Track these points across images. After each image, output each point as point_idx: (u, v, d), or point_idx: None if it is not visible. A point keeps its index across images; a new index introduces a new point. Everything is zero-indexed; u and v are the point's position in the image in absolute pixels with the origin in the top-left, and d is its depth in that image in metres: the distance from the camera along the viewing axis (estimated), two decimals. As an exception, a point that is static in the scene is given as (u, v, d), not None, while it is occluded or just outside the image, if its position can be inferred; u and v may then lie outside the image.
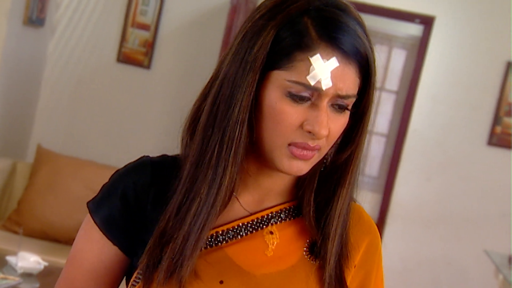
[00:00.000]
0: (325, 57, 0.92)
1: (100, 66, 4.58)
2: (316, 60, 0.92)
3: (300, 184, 1.06)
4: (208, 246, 1.00)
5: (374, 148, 6.79)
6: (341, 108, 0.96)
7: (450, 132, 4.54)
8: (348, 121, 0.98)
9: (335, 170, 1.03)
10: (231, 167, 0.97)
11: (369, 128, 1.03)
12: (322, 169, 1.03)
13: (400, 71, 6.61)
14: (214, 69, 1.02)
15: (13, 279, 2.78)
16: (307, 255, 1.03)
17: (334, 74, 0.93)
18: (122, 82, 4.58)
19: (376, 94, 1.00)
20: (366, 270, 1.08)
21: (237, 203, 1.03)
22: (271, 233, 1.03)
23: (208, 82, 1.04)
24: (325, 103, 0.94)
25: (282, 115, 0.94)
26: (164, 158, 1.07)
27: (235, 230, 1.02)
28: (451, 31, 4.49)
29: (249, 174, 1.03)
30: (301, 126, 0.94)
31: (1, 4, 3.85)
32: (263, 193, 1.04)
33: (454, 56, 4.50)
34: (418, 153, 4.57)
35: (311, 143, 0.95)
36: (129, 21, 4.49)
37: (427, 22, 4.49)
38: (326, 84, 0.92)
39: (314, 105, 0.94)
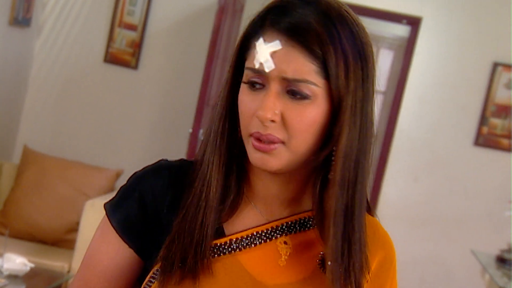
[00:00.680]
0: (269, 40, 0.94)
1: (87, 66, 4.56)
2: (260, 44, 0.94)
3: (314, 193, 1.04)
4: (222, 254, 1.00)
5: (361, 149, 6.81)
6: (296, 95, 0.93)
7: (437, 133, 4.56)
8: (337, 117, 0.95)
9: (318, 172, 0.99)
10: (218, 162, 0.99)
11: (364, 125, 0.97)
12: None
13: (387, 71, 6.63)
14: None
15: (-1, 281, 2.76)
16: (320, 267, 1.01)
17: (277, 57, 0.93)
18: (109, 82, 4.56)
19: (361, 86, 0.95)
20: (379, 284, 1.05)
21: (254, 210, 1.03)
22: (285, 243, 1.01)
23: None
24: (273, 87, 0.94)
25: (241, 104, 0.97)
26: (181, 162, 1.07)
27: (249, 238, 1.01)
28: (438, 32, 4.51)
29: (259, 182, 1.03)
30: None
31: (-13, 4, 3.83)
32: (277, 203, 1.03)
33: (441, 57, 4.52)
34: (405, 153, 4.58)
35: (263, 131, 0.94)
36: (116, 21, 4.47)
37: (414, 23, 4.51)
38: (268, 66, 0.93)
39: (265, 91, 0.95)
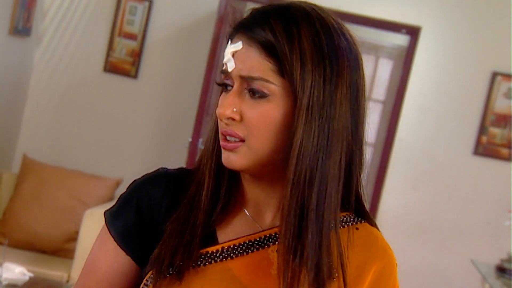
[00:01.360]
0: (234, 42, 0.99)
1: (87, 75, 4.57)
2: (227, 46, 0.99)
3: None
4: (213, 261, 1.00)
5: (361, 158, 6.81)
6: (256, 94, 0.95)
7: (436, 142, 4.56)
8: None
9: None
10: (210, 167, 1.03)
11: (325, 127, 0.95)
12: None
13: (386, 80, 6.64)
14: None
15: (-2, 290, 2.75)
16: None
17: (237, 56, 0.97)
18: (109, 91, 4.57)
19: (315, 84, 0.94)
20: None
21: (247, 217, 1.04)
22: (278, 251, 1.00)
23: None
24: (234, 86, 0.97)
25: (217, 108, 1.00)
26: (180, 171, 1.09)
27: (241, 246, 1.02)
28: (437, 41, 4.52)
29: (248, 188, 1.04)
30: None
31: (-13, 14, 3.84)
32: (268, 209, 1.04)
33: (441, 66, 4.53)
34: (404, 162, 4.59)
35: (224, 127, 0.97)
36: (116, 30, 4.49)
37: (413, 32, 4.52)
38: (230, 66, 0.97)
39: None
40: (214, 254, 1.01)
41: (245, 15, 1.02)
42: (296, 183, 0.95)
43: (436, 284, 4.56)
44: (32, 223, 3.73)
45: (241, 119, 0.96)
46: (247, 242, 1.02)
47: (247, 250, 1.01)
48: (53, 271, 3.49)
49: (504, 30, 4.41)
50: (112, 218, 1.06)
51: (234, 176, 1.04)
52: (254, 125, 0.95)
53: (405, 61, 4.62)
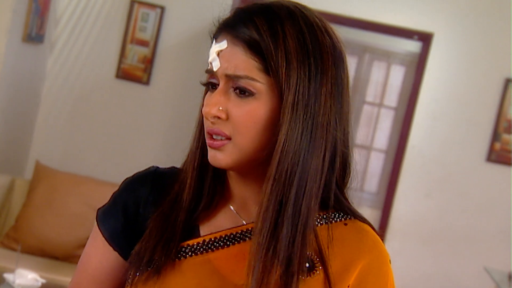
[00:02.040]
0: (219, 41, 0.99)
1: (99, 82, 4.59)
2: (212, 45, 1.00)
3: None
4: (194, 254, 1.02)
5: (373, 164, 6.78)
6: (242, 92, 0.96)
7: (449, 149, 4.54)
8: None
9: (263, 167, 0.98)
10: (194, 165, 1.04)
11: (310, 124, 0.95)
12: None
13: (398, 87, 6.62)
14: None
15: (10, 297, 2.76)
16: None
17: (222, 55, 0.97)
18: (121, 98, 4.58)
19: (299, 83, 0.94)
20: None
21: (231, 212, 1.06)
22: (251, 244, 1.01)
23: None
24: (220, 85, 0.97)
25: (202, 106, 1.01)
26: (171, 170, 1.11)
27: (222, 239, 1.03)
28: (449, 48, 4.51)
29: (233, 185, 1.06)
30: None
31: (1, 21, 3.86)
32: (253, 204, 1.04)
33: (453, 73, 4.52)
34: (417, 169, 4.56)
35: (210, 126, 0.98)
36: (128, 37, 4.50)
37: (425, 38, 4.51)
38: (215, 65, 0.98)
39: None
40: (195, 246, 1.02)
41: (229, 14, 1.02)
42: (277, 179, 0.95)
43: (449, 292, 4.53)
44: (45, 229, 3.74)
45: (227, 117, 0.96)
46: (229, 235, 1.03)
47: (228, 242, 1.02)
48: (65, 277, 3.49)
49: (517, 36, 4.39)
50: (103, 217, 1.09)
51: (218, 173, 1.06)
52: (240, 123, 0.96)
53: (417, 68, 4.61)
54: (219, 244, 1.02)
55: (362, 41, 6.47)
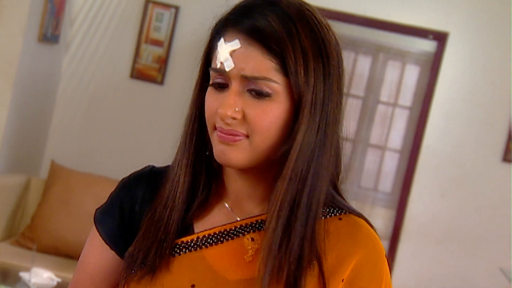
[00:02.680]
0: (229, 40, 0.97)
1: (114, 82, 4.61)
2: (221, 44, 0.97)
3: None
4: (188, 251, 1.02)
5: (387, 164, 6.76)
6: (258, 94, 0.95)
7: (464, 148, 4.52)
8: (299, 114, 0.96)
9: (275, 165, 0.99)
10: (187, 162, 1.04)
11: (329, 125, 0.96)
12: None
13: (413, 87, 6.59)
14: None
15: (26, 295, 2.77)
16: None
17: (236, 56, 0.95)
18: (135, 98, 4.60)
19: (323, 84, 0.95)
20: (359, 286, 1.01)
21: (225, 208, 1.06)
22: (252, 239, 1.03)
23: None
24: (234, 85, 0.96)
25: (206, 102, 1.00)
26: (167, 168, 1.11)
27: (216, 235, 1.03)
28: (464, 47, 4.48)
29: (230, 181, 1.05)
30: None
31: (17, 22, 3.89)
32: (248, 200, 1.05)
33: (468, 72, 4.49)
34: (432, 169, 4.54)
35: (225, 127, 0.96)
36: (142, 37, 4.52)
37: (440, 38, 4.49)
38: (228, 65, 0.95)
39: (228, 90, 0.97)
40: (189, 243, 1.03)
41: (231, 10, 1.01)
42: (293, 178, 0.96)
43: (464, 293, 4.51)
44: (60, 228, 3.76)
45: (243, 117, 0.96)
46: (222, 231, 1.03)
47: (221, 239, 1.03)
48: (80, 276, 3.51)
49: (533, 35, 4.35)
50: (100, 216, 1.10)
51: (212, 170, 1.05)
52: (257, 123, 0.95)
53: (432, 67, 4.59)
54: (213, 241, 1.03)
55: (376, 40, 6.45)
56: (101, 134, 4.64)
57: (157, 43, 4.52)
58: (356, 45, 6.48)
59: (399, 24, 4.50)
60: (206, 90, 1.02)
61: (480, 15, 4.47)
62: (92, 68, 4.59)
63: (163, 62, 4.52)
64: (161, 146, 4.60)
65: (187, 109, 1.07)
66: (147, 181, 1.09)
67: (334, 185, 1.06)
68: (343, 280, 1.00)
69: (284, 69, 0.94)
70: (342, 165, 1.06)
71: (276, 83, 0.95)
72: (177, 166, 1.05)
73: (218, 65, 0.97)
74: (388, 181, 6.78)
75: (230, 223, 1.04)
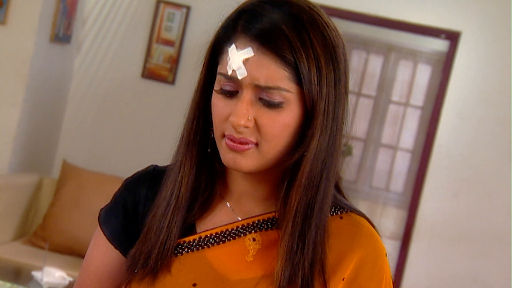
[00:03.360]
0: (241, 47, 0.95)
1: (125, 82, 4.62)
2: (232, 50, 0.95)
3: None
4: (190, 250, 1.03)
5: (399, 164, 6.74)
6: (270, 104, 0.94)
7: (476, 148, 4.49)
8: (311, 121, 0.96)
9: (288, 172, 0.99)
10: (190, 162, 1.03)
11: (338, 130, 0.97)
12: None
13: (425, 86, 6.57)
14: None
15: (38, 294, 2.79)
16: None
17: (250, 64, 0.94)
18: (146, 97, 4.61)
19: (334, 92, 0.96)
20: (359, 285, 1.02)
21: (227, 208, 1.06)
22: (254, 239, 1.03)
23: None
24: (246, 94, 0.95)
25: (215, 108, 0.99)
26: (169, 167, 1.11)
27: (218, 235, 1.04)
28: (477, 47, 4.45)
29: (233, 181, 1.06)
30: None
31: (29, 22, 3.91)
32: (251, 201, 1.05)
33: (481, 72, 4.46)
34: (444, 169, 4.52)
35: (236, 135, 0.96)
36: (154, 37, 4.52)
37: (452, 37, 4.46)
38: (241, 73, 0.94)
39: (239, 98, 0.96)
40: (191, 243, 1.03)
41: (239, 11, 0.99)
42: (307, 186, 0.97)
43: (477, 293, 4.48)
44: (72, 228, 3.78)
45: (254, 125, 0.96)
46: (224, 231, 1.04)
47: (223, 239, 1.03)
48: (91, 276, 3.52)
49: (546, 34, 4.32)
50: (104, 216, 1.11)
51: (215, 169, 1.05)
52: (268, 132, 0.95)
53: (444, 67, 4.56)
54: (215, 241, 1.03)
55: (388, 40, 6.43)
56: (112, 134, 4.65)
57: (168, 43, 4.52)
58: (367, 45, 6.46)
59: (411, 23, 4.48)
60: (208, 90, 1.02)
61: (492, 14, 4.44)
62: (104, 68, 4.61)
63: (174, 62, 4.53)
64: (172, 146, 4.61)
65: (188, 108, 1.06)
66: (150, 180, 1.10)
67: (336, 182, 1.06)
68: (343, 279, 1.01)
69: (297, 77, 0.94)
70: (342, 162, 1.07)
71: (288, 92, 0.94)
72: (180, 166, 1.05)
73: (230, 72, 0.95)
74: (399, 181, 6.76)
75: (231, 223, 1.04)
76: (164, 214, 1.03)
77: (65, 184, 3.91)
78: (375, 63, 6.59)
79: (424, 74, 6.59)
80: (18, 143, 4.03)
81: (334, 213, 1.05)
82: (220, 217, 1.06)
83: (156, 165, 1.14)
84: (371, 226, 1.06)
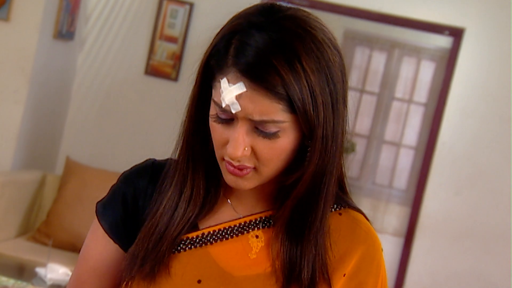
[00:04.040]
0: (233, 81, 0.93)
1: (128, 78, 4.62)
2: (224, 83, 0.94)
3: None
4: (193, 247, 1.04)
5: (402, 161, 6.74)
6: (266, 134, 0.95)
7: (479, 145, 4.48)
8: (312, 144, 0.97)
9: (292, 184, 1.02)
10: (192, 160, 1.05)
11: (332, 151, 0.98)
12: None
13: (428, 83, 6.56)
14: None
15: (42, 291, 2.79)
16: None
17: (243, 99, 0.93)
18: (150, 94, 4.61)
19: (322, 120, 0.95)
20: (359, 280, 1.05)
21: (229, 206, 1.07)
22: (257, 237, 1.04)
23: None
24: (241, 125, 0.95)
25: (213, 132, 0.99)
26: (168, 161, 1.12)
27: (221, 232, 1.05)
28: (481, 43, 4.45)
29: None
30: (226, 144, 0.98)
31: (32, 18, 3.91)
32: (252, 198, 1.07)
33: (485, 68, 4.45)
34: (447, 166, 4.52)
35: (235, 163, 0.97)
36: (157, 34, 4.52)
37: (456, 34, 4.45)
38: (235, 108, 0.94)
39: (235, 127, 0.96)
40: (194, 239, 1.04)
41: (230, 31, 0.99)
42: (310, 183, 0.99)
43: (480, 290, 4.48)
44: (75, 224, 3.78)
45: (251, 151, 0.97)
46: (227, 227, 1.05)
47: (226, 235, 1.04)
48: (95, 272, 3.53)
49: (550, 31, 4.31)
50: (102, 209, 1.11)
51: (216, 166, 1.05)
52: (265, 158, 0.97)
53: (448, 63, 4.56)
54: (218, 237, 1.04)
55: (391, 36, 6.42)
56: (115, 131, 4.66)
57: (172, 39, 4.52)
58: (371, 41, 6.45)
59: (415, 20, 4.47)
60: (206, 89, 1.02)
61: (496, 11, 4.43)
62: (107, 64, 4.61)
63: (177, 59, 4.53)
64: (175, 142, 4.61)
65: (186, 108, 1.08)
66: (150, 175, 1.10)
67: (339, 179, 1.08)
68: (344, 275, 1.03)
69: (292, 108, 0.93)
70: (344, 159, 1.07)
71: (284, 122, 0.94)
72: (181, 164, 1.06)
73: (224, 105, 0.95)
74: (403, 178, 6.76)
75: (234, 220, 1.06)
76: (167, 212, 1.03)
77: (69, 181, 3.92)
78: (379, 60, 6.58)
79: (427, 71, 6.57)
80: (22, 139, 4.04)
81: (333, 210, 1.07)
82: (223, 214, 1.06)
83: (155, 159, 1.15)
84: (367, 222, 1.08)
